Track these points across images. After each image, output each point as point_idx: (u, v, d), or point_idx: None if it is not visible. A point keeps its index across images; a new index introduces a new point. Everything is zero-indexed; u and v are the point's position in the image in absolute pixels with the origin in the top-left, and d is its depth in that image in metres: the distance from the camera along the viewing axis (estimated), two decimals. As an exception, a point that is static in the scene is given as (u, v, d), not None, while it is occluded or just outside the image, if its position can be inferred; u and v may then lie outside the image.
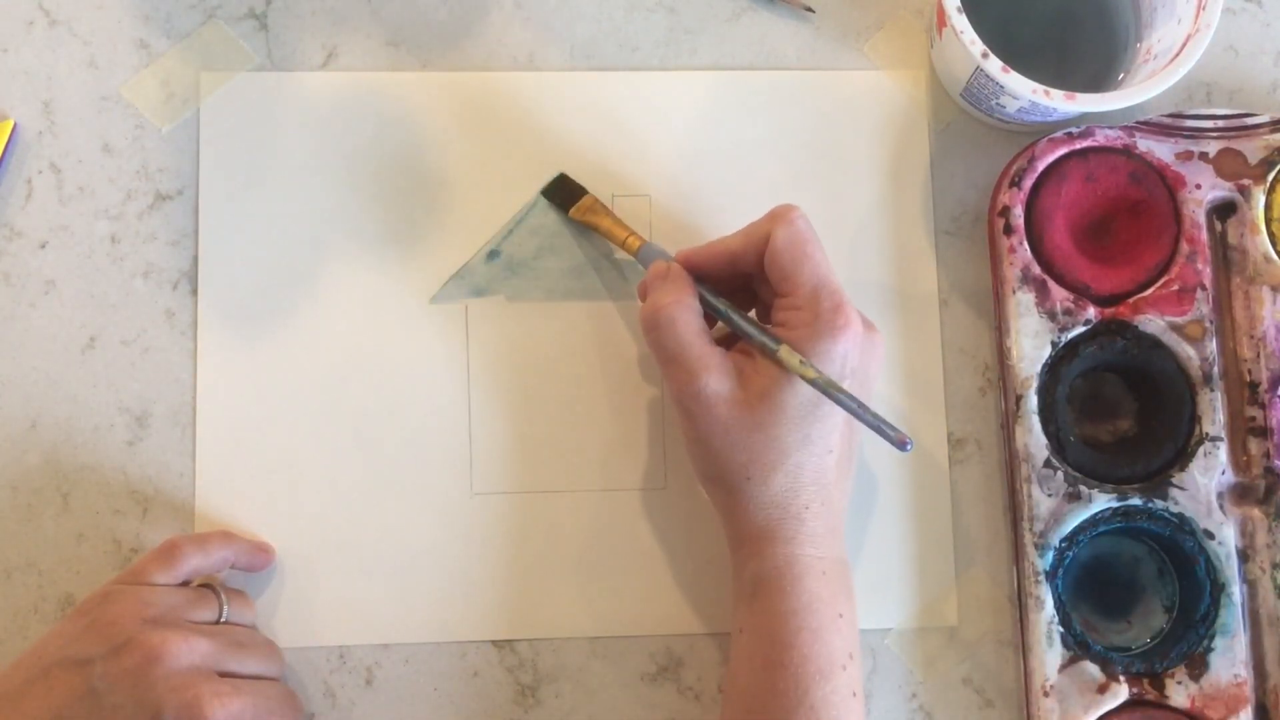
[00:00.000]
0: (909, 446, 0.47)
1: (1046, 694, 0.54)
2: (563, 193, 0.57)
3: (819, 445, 0.49)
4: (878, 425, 0.48)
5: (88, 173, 0.57)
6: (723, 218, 0.58)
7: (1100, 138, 0.57)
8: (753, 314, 0.53)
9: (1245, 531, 0.56)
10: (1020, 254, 0.56)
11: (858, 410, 0.48)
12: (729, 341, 0.53)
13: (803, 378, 0.48)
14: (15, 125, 0.57)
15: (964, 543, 0.57)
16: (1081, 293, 0.56)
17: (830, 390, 0.48)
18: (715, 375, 0.49)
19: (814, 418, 0.49)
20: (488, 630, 0.56)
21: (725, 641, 0.56)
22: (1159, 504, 0.55)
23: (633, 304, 0.58)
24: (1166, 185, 0.57)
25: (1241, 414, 0.56)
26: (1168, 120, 0.58)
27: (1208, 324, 0.56)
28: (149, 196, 0.57)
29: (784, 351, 0.48)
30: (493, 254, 0.58)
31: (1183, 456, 0.56)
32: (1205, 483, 0.55)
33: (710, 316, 0.52)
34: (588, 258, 0.58)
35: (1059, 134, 0.57)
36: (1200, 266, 0.57)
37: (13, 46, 0.58)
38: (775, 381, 0.49)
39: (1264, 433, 0.56)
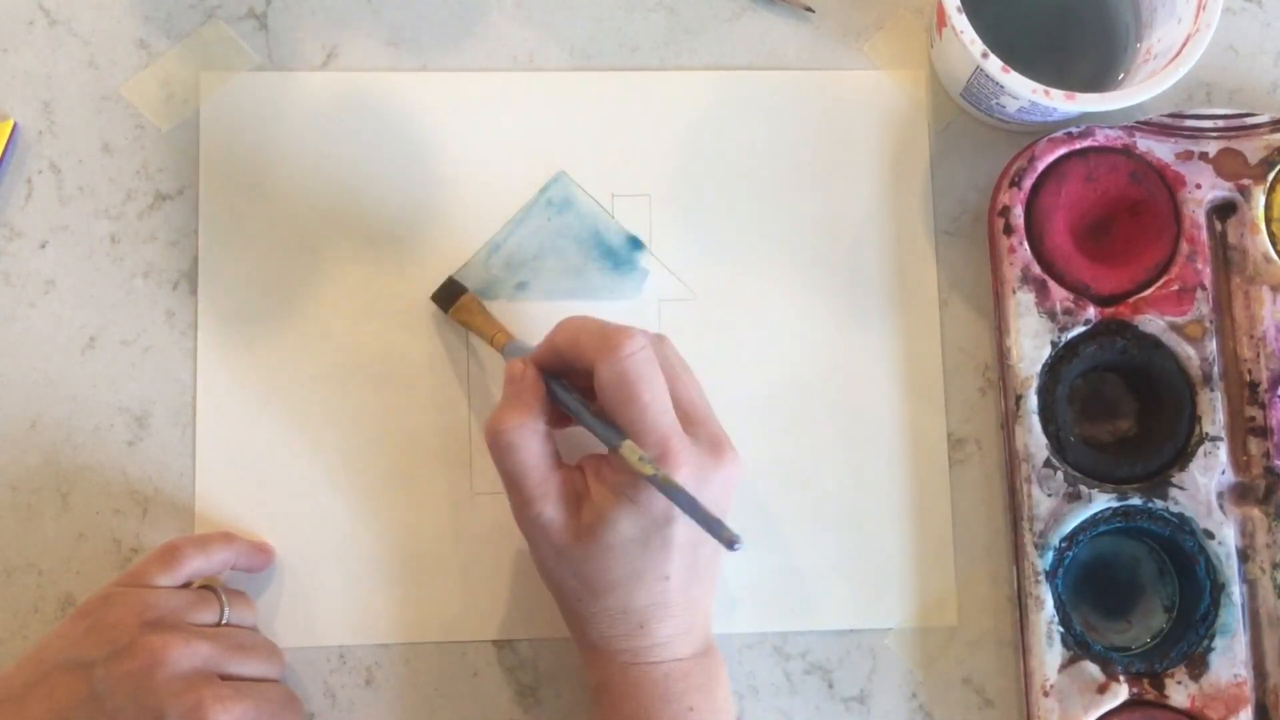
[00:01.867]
0: (737, 546, 0.45)
1: (1046, 694, 0.54)
2: (446, 296, 0.56)
3: (651, 575, 0.48)
4: (709, 524, 0.46)
5: (88, 173, 0.57)
6: (722, 217, 0.58)
7: (1100, 138, 0.57)
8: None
9: (1245, 531, 0.56)
10: (1020, 254, 0.56)
11: (690, 508, 0.46)
12: None
13: (641, 475, 0.47)
14: (15, 125, 0.57)
15: (964, 543, 0.57)
16: (1081, 293, 0.56)
17: (666, 487, 0.46)
18: (550, 504, 0.48)
19: (643, 552, 0.48)
20: (488, 630, 0.56)
21: (725, 641, 0.56)
22: (1159, 504, 0.55)
23: (634, 304, 0.58)
24: (1166, 185, 0.57)
25: (1241, 414, 0.56)
26: (1168, 120, 0.58)
27: (1208, 324, 0.56)
28: (149, 196, 0.57)
29: (625, 448, 0.47)
30: (493, 254, 0.58)
31: (1183, 456, 0.56)
32: (1205, 483, 0.55)
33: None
34: (588, 258, 0.58)
35: (1059, 134, 0.57)
36: (1200, 266, 0.57)
37: (13, 46, 0.58)
38: (601, 518, 0.47)
39: (1264, 433, 0.56)
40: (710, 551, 0.50)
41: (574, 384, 0.51)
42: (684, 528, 0.48)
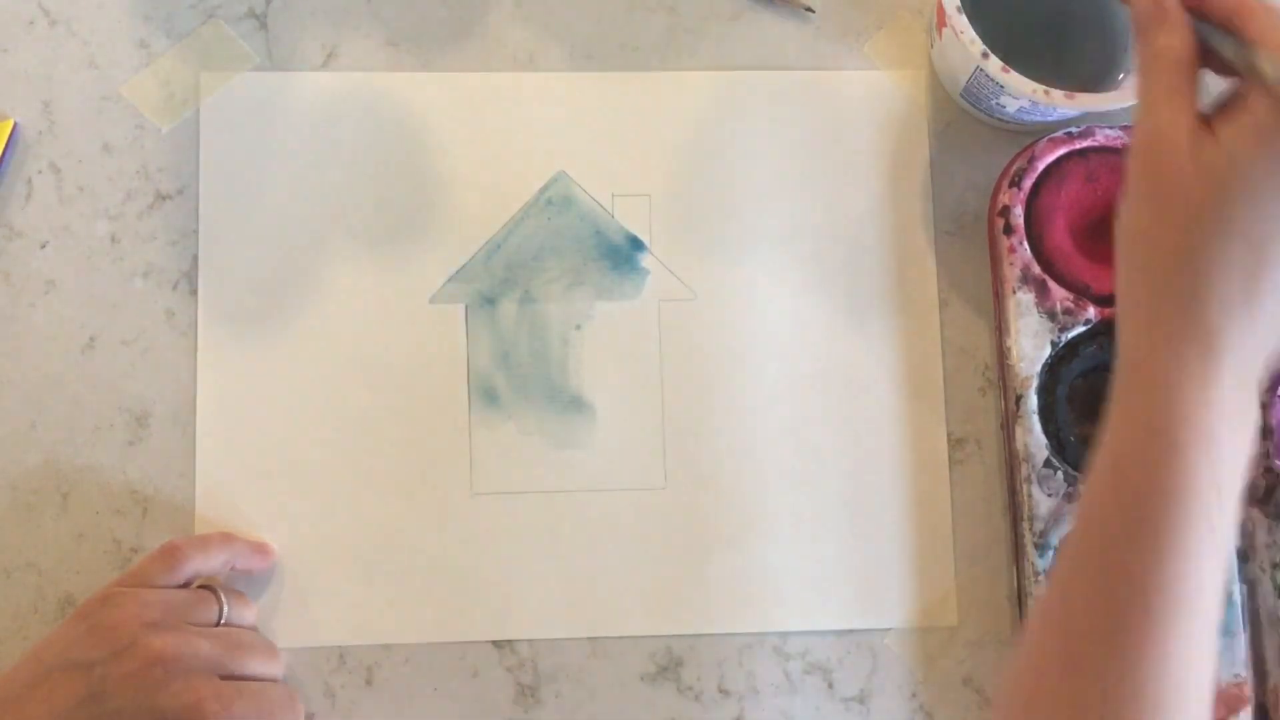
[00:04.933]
0: None
1: (1046, 694, 0.54)
2: None
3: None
4: None
5: (88, 173, 0.57)
6: (722, 218, 0.58)
7: (1100, 138, 0.57)
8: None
9: (1245, 531, 0.56)
10: (1020, 254, 0.56)
11: None
12: None
13: None
14: (15, 125, 0.57)
15: (964, 543, 0.57)
16: (1081, 293, 0.56)
17: None
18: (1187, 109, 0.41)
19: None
20: (488, 630, 0.56)
21: (725, 641, 0.56)
22: (1159, 504, 0.55)
23: (634, 304, 0.58)
24: (1166, 185, 0.57)
25: (1241, 414, 0.56)
26: (1168, 120, 0.58)
27: (1208, 324, 0.56)
28: (149, 196, 0.57)
29: (1266, 56, 0.40)
30: (493, 254, 0.58)
31: (1183, 456, 0.56)
32: (1205, 483, 0.55)
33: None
34: (588, 258, 0.58)
35: (1059, 134, 0.57)
36: (1200, 266, 0.56)
37: (13, 46, 0.58)
38: (1232, 158, 0.40)
39: (1264, 432, 0.56)
40: None
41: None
42: None
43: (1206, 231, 0.41)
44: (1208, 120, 0.42)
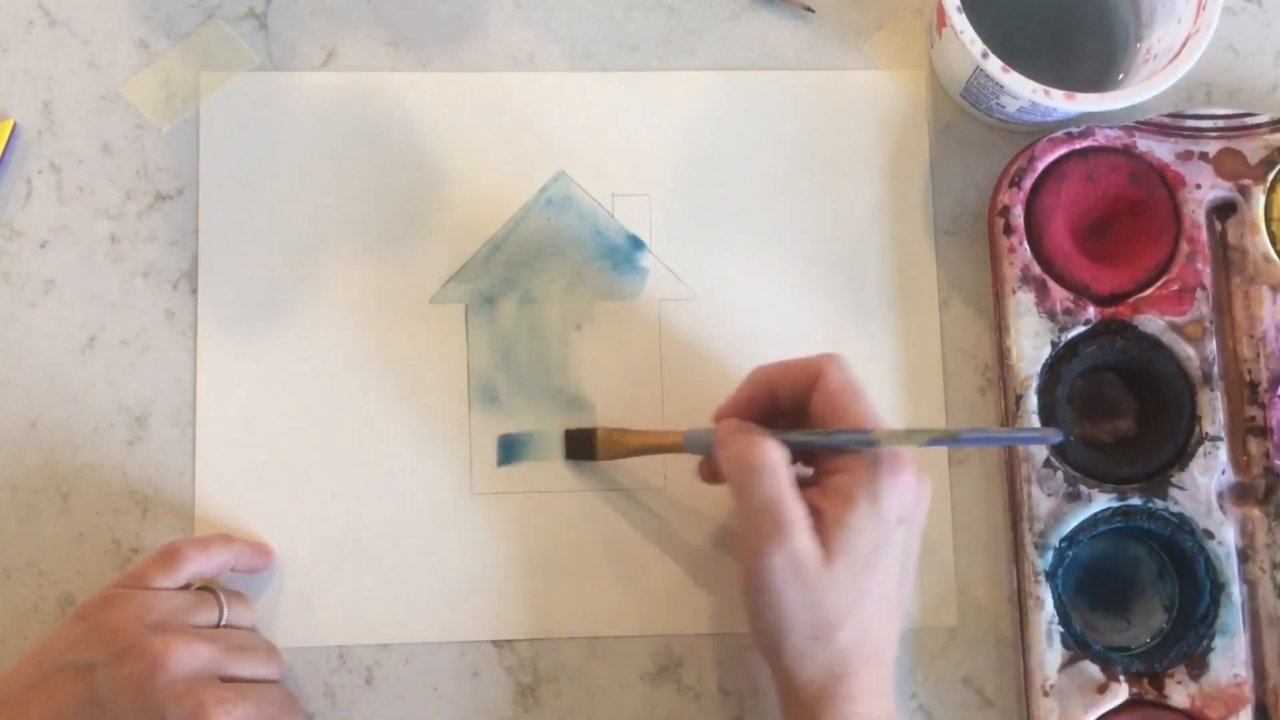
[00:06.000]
0: (1061, 436, 0.49)
1: (1046, 694, 0.54)
2: (576, 445, 0.56)
3: (875, 594, 0.48)
4: (1026, 435, 0.51)
5: (88, 173, 0.57)
6: (722, 218, 0.58)
7: (1100, 138, 0.57)
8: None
9: (1245, 531, 0.56)
10: (1020, 254, 0.56)
11: (987, 436, 0.51)
12: None
13: (914, 444, 0.48)
14: (15, 125, 0.57)
15: (964, 543, 0.57)
16: (1081, 293, 0.56)
17: (951, 435, 0.49)
18: (804, 530, 0.47)
19: (873, 566, 0.48)
20: (488, 630, 0.56)
21: (725, 641, 0.56)
22: (1159, 504, 0.55)
23: (634, 304, 0.58)
24: (1166, 185, 0.57)
25: (1241, 414, 0.56)
26: (1168, 120, 0.58)
27: (1208, 324, 0.56)
28: (149, 196, 0.57)
29: (882, 435, 0.47)
30: (492, 254, 0.58)
31: (1183, 456, 0.56)
32: (1205, 482, 0.55)
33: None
34: (588, 258, 0.58)
35: (1059, 134, 0.57)
36: (1200, 266, 0.57)
37: (13, 46, 0.58)
38: (849, 532, 0.47)
39: (1264, 432, 0.56)
40: (904, 589, 0.50)
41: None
42: (904, 531, 0.49)
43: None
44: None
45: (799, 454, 0.50)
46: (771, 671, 0.50)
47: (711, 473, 0.53)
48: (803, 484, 0.49)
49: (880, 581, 0.48)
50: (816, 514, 0.48)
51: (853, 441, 0.48)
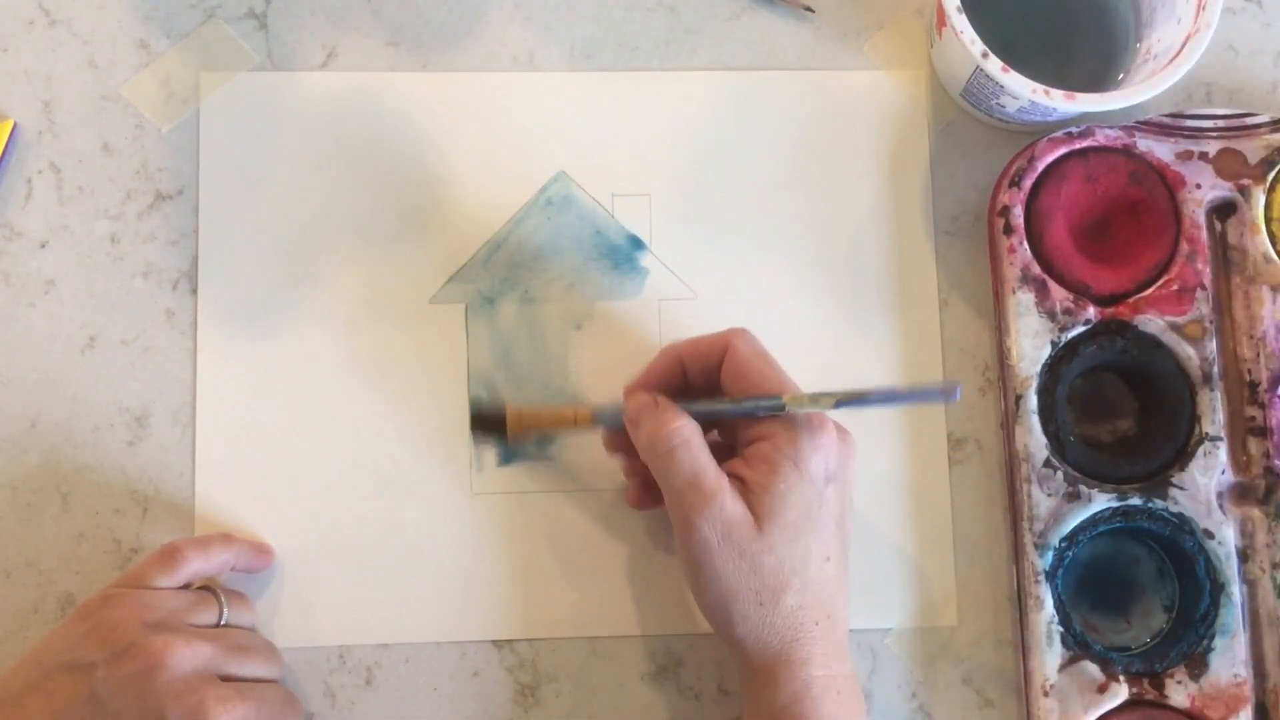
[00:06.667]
0: (958, 392, 0.50)
1: (1046, 694, 0.54)
2: (486, 423, 0.56)
3: (817, 554, 0.48)
4: (919, 393, 0.51)
5: (88, 173, 0.57)
6: (722, 217, 0.58)
7: (1100, 138, 0.57)
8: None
9: (1245, 531, 0.56)
10: (1020, 254, 0.56)
11: (893, 395, 0.50)
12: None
13: (825, 408, 0.48)
14: (15, 125, 0.57)
15: (964, 543, 0.57)
16: (1081, 293, 0.56)
17: (859, 396, 0.48)
18: (730, 497, 0.47)
19: (810, 528, 0.48)
20: (488, 630, 0.56)
21: (725, 641, 0.56)
22: (1159, 504, 0.55)
23: (634, 304, 0.58)
24: (1166, 185, 0.57)
25: (1241, 414, 0.56)
26: (1168, 120, 0.58)
27: (1207, 324, 0.56)
28: (149, 196, 0.57)
29: (790, 400, 0.48)
30: (493, 253, 0.58)
31: (1183, 456, 0.56)
32: (1205, 482, 0.55)
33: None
34: (588, 258, 0.58)
35: (1059, 134, 0.57)
36: (1200, 266, 0.57)
37: (13, 46, 0.58)
38: (773, 493, 0.48)
39: (1264, 432, 0.56)
40: (848, 546, 0.50)
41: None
42: (834, 489, 0.49)
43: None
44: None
45: (713, 424, 0.51)
46: (728, 648, 0.50)
47: (613, 444, 0.54)
48: (726, 455, 0.50)
49: (821, 541, 0.48)
50: (742, 483, 0.48)
51: (761, 408, 0.49)
